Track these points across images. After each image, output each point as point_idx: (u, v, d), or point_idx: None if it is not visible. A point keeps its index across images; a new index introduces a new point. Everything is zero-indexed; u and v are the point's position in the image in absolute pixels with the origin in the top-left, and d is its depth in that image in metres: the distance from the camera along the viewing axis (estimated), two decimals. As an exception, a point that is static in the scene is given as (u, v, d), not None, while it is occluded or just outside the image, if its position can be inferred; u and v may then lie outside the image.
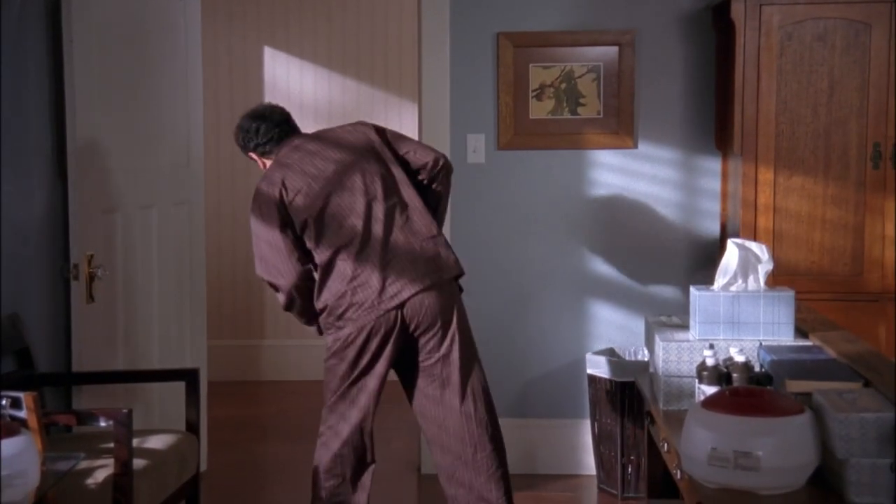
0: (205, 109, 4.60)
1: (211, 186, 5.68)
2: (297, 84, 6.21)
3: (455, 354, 3.36)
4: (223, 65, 6.19)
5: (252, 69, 6.21)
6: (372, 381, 3.34)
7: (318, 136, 3.51)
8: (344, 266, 3.30)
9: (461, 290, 3.48)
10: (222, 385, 5.86)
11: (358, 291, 3.28)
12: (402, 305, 3.28)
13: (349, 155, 3.40)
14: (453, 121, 4.47)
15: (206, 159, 4.80)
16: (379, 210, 3.34)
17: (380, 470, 4.60)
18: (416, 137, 4.77)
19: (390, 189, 3.38)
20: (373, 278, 3.28)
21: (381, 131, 3.49)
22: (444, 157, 3.49)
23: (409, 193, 3.40)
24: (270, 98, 6.18)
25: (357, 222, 3.32)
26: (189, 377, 3.54)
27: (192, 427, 3.51)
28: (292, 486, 4.43)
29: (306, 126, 6.19)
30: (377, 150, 3.43)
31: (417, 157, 3.47)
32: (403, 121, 6.10)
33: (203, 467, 4.38)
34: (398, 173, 3.42)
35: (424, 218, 3.39)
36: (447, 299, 3.35)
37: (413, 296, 3.28)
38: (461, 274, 3.44)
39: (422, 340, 3.35)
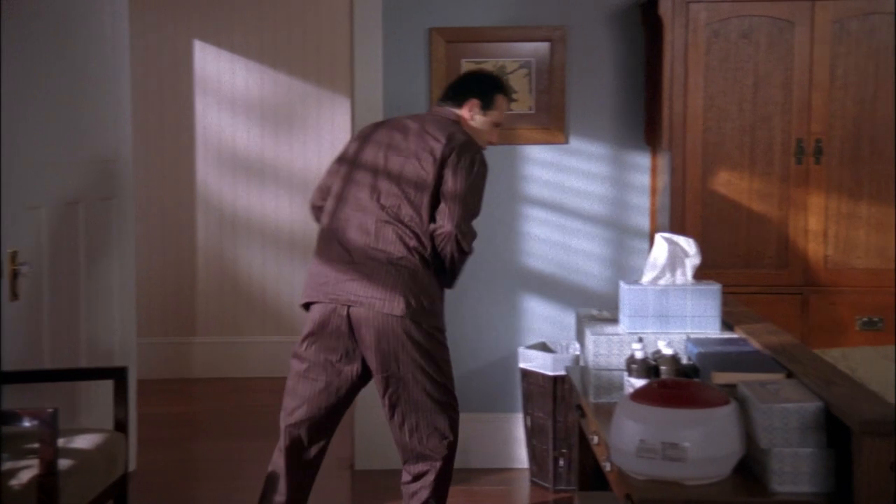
0: (133, 104, 4.53)
1: (140, 182, 5.60)
2: (228, 78, 6.14)
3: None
4: (152, 58, 6.10)
5: (182, 63, 6.13)
6: None
7: (416, 118, 3.55)
8: None
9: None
10: (153, 383, 5.78)
11: None
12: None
13: (406, 146, 3.43)
14: (386, 115, 4.46)
15: (135, 155, 4.73)
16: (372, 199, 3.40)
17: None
18: (348, 133, 4.75)
19: (399, 195, 3.37)
20: None
21: (448, 157, 3.39)
22: (454, 234, 3.35)
23: (409, 213, 3.36)
24: (200, 93, 6.12)
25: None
26: (117, 375, 3.48)
27: (121, 426, 3.46)
28: (223, 483, 4.39)
29: (238, 122, 6.18)
30: (429, 163, 3.39)
31: (440, 212, 3.37)
32: (336, 116, 6.08)
33: (132, 466, 4.33)
34: (420, 195, 3.38)
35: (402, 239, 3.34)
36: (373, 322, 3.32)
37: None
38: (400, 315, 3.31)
39: None
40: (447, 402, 3.39)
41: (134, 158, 4.57)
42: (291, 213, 6.19)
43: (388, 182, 3.41)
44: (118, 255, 4.33)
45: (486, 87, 3.58)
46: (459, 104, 3.56)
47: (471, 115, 3.56)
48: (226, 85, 6.13)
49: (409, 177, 3.40)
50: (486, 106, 3.57)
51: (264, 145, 6.17)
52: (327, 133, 6.14)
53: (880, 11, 3.91)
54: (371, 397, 4.52)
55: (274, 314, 6.20)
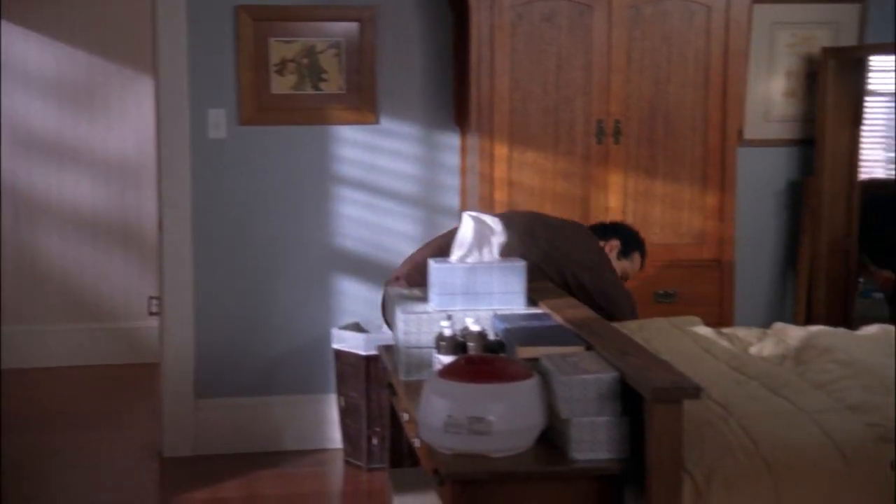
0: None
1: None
2: (21, 55, 5.83)
3: None
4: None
5: (-29, 38, 5.78)
6: None
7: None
8: None
9: None
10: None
11: None
12: None
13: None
14: (192, 95, 4.36)
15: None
16: None
17: (119, 456, 4.48)
18: (154, 113, 4.61)
19: None
20: None
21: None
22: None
23: None
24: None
25: None
26: None
27: None
28: (29, 477, 4.21)
29: (34, 102, 5.86)
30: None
31: None
32: (141, 96, 5.87)
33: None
34: None
35: None
36: None
37: None
38: None
39: None
40: None
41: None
42: (94, 197, 5.95)
43: None
44: None
45: (630, 240, 3.79)
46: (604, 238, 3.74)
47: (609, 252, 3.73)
48: (19, 63, 5.82)
49: None
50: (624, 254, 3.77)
51: (63, 126, 5.89)
52: (132, 114, 5.93)
53: (672, -3, 4.10)
54: (180, 382, 4.43)
55: (77, 301, 5.95)
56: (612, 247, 3.77)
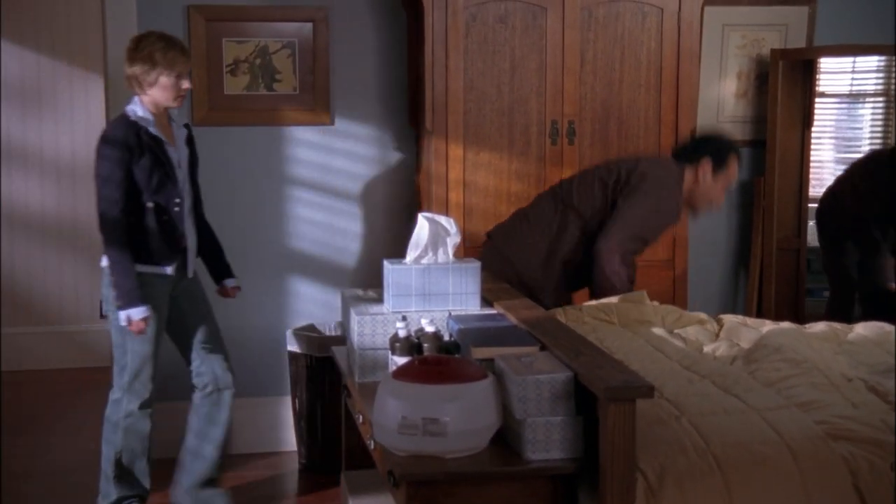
0: None
1: None
2: (-30, 54, 5.74)
3: None
4: None
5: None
6: None
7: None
8: None
9: None
10: None
11: None
12: None
13: None
14: (143, 95, 4.30)
15: None
16: None
17: (69, 461, 4.42)
18: (103, 113, 4.55)
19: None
20: None
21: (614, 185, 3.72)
22: (601, 253, 3.61)
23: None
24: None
25: None
26: None
27: None
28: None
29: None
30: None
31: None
32: (90, 96, 5.80)
33: None
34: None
35: None
36: None
37: None
38: None
39: None
40: None
41: None
42: (44, 199, 5.87)
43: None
44: None
45: (722, 149, 3.73)
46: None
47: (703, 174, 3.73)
48: (-32, 61, 5.73)
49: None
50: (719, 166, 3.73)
51: (12, 127, 5.80)
52: (82, 114, 5.85)
53: (624, -1, 4.13)
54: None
55: (27, 304, 5.87)
56: (705, 169, 3.73)
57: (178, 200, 3.53)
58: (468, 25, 4.06)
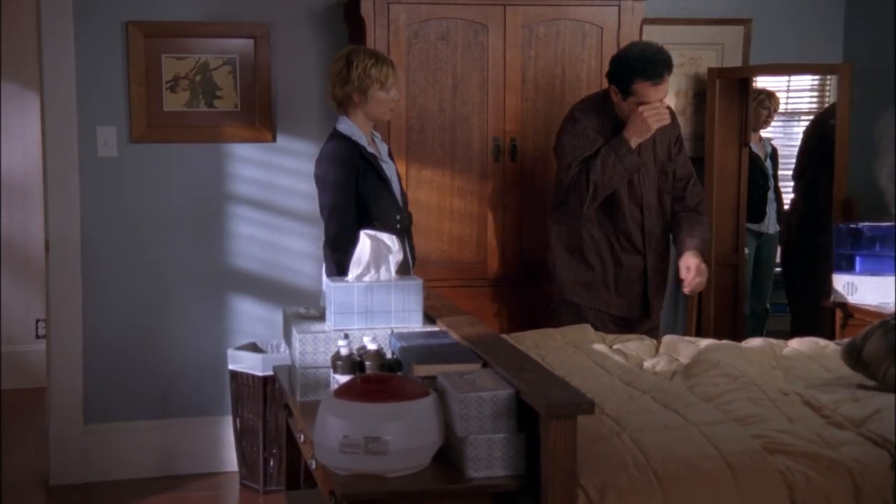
0: None
1: None
2: None
3: None
4: None
5: None
6: None
7: None
8: None
9: None
10: None
11: None
12: None
13: None
14: (81, 112, 4.25)
15: None
16: None
17: (3, 485, 4.32)
18: (39, 133, 4.48)
19: None
20: None
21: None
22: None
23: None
24: None
25: None
26: None
27: None
28: None
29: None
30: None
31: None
32: (26, 114, 5.70)
33: None
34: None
35: None
36: None
37: None
38: None
39: None
40: None
41: None
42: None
43: None
44: None
45: (617, 72, 3.74)
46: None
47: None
48: None
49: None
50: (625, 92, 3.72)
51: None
52: (17, 131, 5.74)
53: (563, 18, 4.16)
54: (68, 406, 4.30)
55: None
56: (617, 97, 3.76)
57: (398, 217, 3.50)
58: (410, 42, 4.07)
